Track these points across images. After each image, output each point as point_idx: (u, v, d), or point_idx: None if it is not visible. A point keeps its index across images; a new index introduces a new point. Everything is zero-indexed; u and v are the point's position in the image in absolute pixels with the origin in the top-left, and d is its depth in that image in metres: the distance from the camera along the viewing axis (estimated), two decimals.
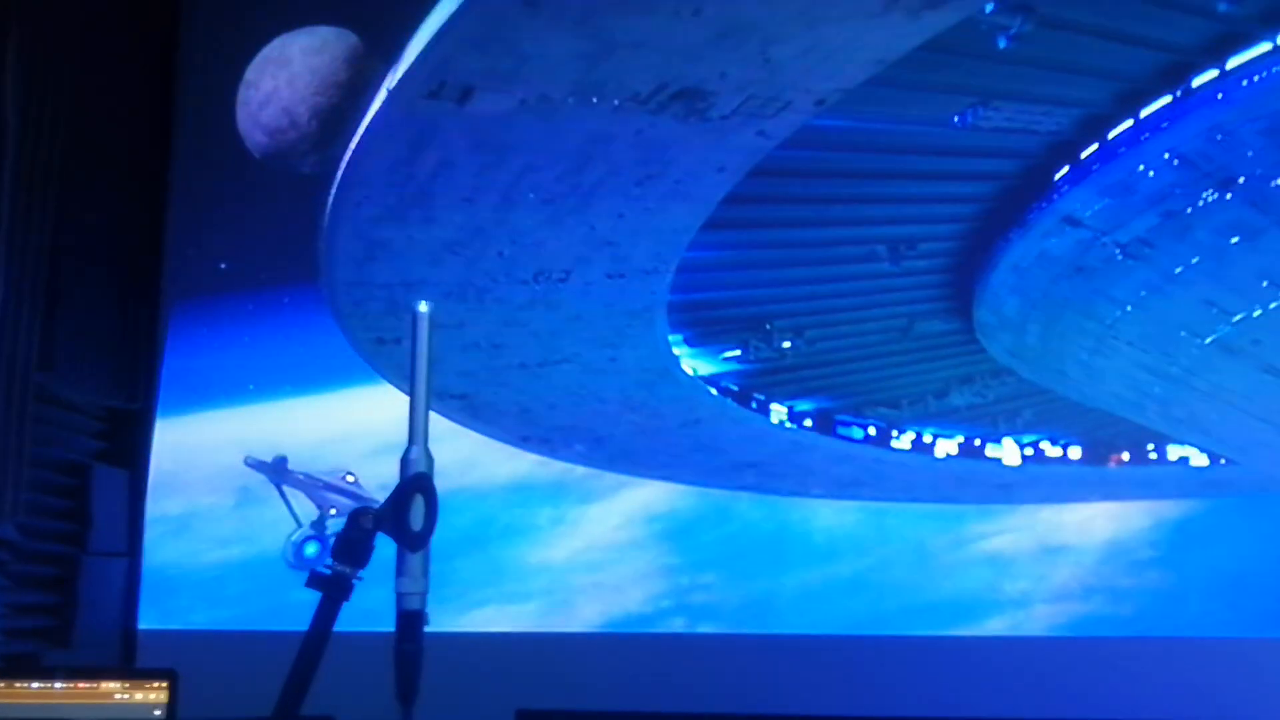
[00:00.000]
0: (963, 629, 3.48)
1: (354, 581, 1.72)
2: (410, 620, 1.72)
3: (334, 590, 1.71)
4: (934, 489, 3.66)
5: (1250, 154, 3.11)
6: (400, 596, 1.73)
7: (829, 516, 3.67)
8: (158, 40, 3.98)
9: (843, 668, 3.43)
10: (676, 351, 3.64)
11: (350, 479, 3.87)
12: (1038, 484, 3.64)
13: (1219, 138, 3.11)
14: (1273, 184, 3.14)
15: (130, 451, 3.84)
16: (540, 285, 3.51)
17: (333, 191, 3.50)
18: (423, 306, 1.80)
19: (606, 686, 3.42)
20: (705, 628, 3.63)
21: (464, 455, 3.68)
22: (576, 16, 2.98)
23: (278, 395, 3.85)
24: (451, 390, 3.60)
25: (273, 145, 3.80)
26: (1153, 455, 3.57)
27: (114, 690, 2.63)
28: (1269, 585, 3.38)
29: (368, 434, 3.60)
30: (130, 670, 3.26)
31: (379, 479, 3.31)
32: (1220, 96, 3.05)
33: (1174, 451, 3.58)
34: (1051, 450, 3.66)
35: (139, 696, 2.63)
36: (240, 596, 3.74)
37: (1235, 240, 3.23)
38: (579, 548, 3.72)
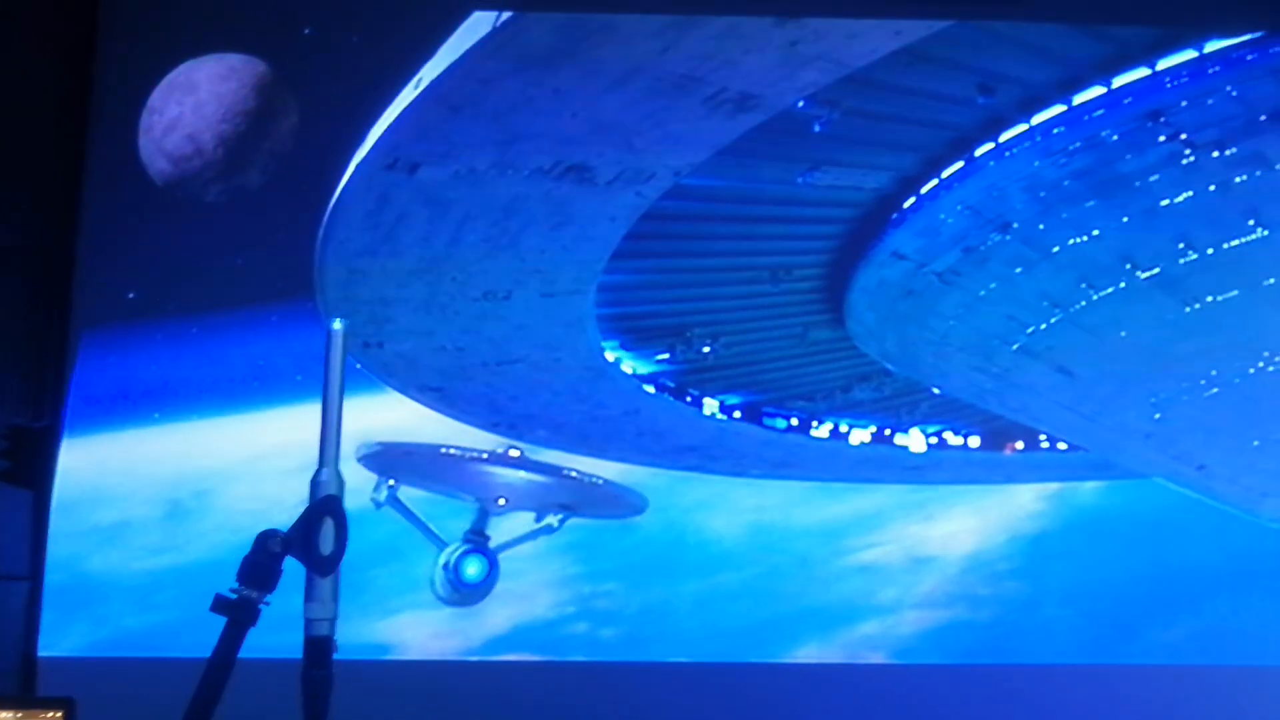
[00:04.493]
0: (840, 632, 3.74)
1: (260, 607, 1.61)
2: (318, 646, 1.63)
3: (239, 615, 1.60)
4: (855, 470, 4.00)
5: (1018, 205, 3.80)
6: (308, 622, 1.63)
7: (721, 529, 3.85)
8: (72, 64, 3.78)
9: (746, 693, 3.64)
10: (614, 355, 4.03)
11: (515, 453, 3.35)
12: (943, 467, 4.01)
13: (995, 193, 3.80)
14: (1038, 227, 3.81)
15: (34, 471, 3.63)
16: (489, 302, 3.93)
17: (320, 233, 3.88)
18: (336, 324, 1.69)
19: (518, 713, 3.51)
20: (606, 632, 3.74)
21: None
22: (488, 117, 3.71)
23: (187, 419, 3.79)
24: (429, 384, 3.96)
25: (176, 173, 3.67)
26: (1045, 444, 4.00)
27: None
28: (1111, 594, 3.78)
29: (285, 454, 3.59)
30: (25, 699, 3.10)
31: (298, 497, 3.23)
32: (992, 164, 3.76)
33: (1063, 441, 3.98)
34: (954, 439, 4.02)
35: None
36: (168, 604, 3.66)
37: (1019, 270, 3.87)
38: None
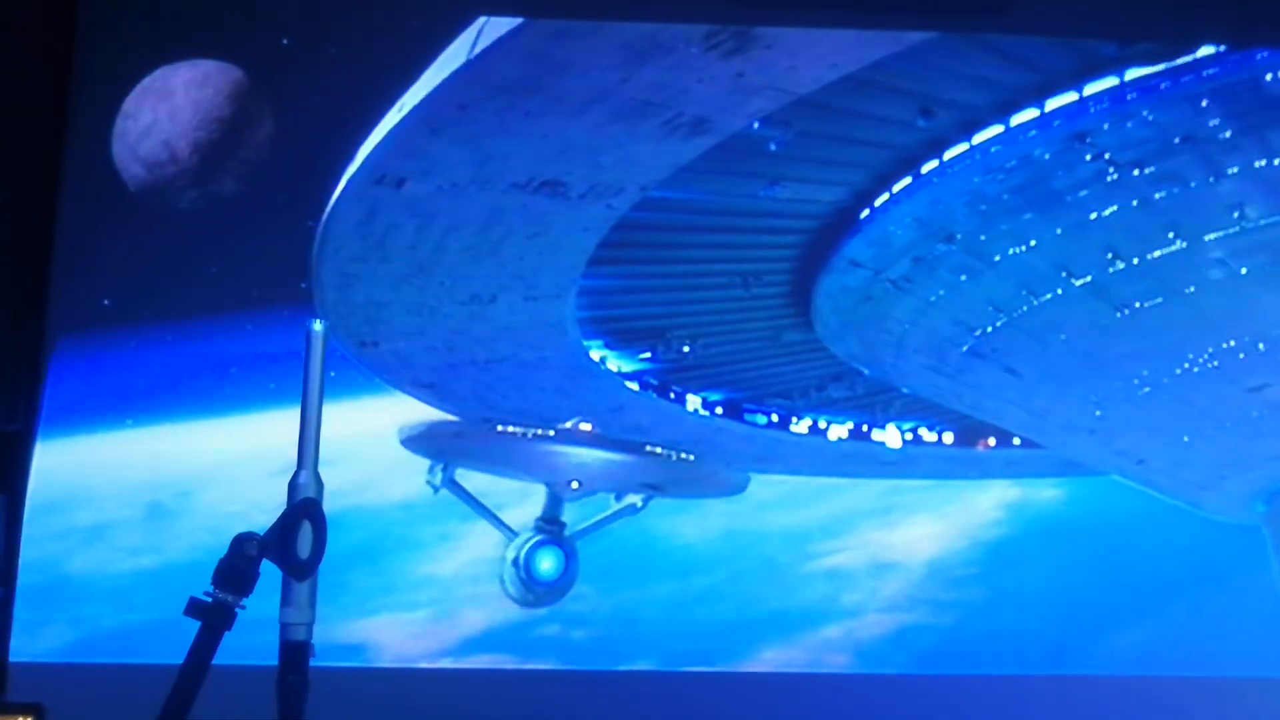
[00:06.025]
0: (805, 635, 3.84)
1: (236, 611, 1.55)
2: (295, 652, 1.58)
3: (214, 619, 1.54)
4: (834, 465, 4.14)
5: (960, 218, 4.02)
6: (285, 627, 1.59)
7: (690, 535, 3.93)
8: (49, 68, 3.72)
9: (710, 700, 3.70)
10: (599, 354, 4.18)
11: (587, 428, 2.91)
12: (918, 461, 4.17)
13: (940, 207, 4.02)
14: (980, 238, 4.02)
15: (6, 475, 3.57)
16: (475, 305, 4.09)
17: (316, 242, 4.02)
18: (316, 325, 1.65)
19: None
20: (578, 634, 3.79)
21: (360, 476, 3.78)
22: (464, 138, 3.91)
23: (162, 424, 3.80)
24: (423, 381, 4.12)
25: (150, 179, 3.62)
26: (1017, 442, 4.16)
27: None
28: (1070, 599, 3.91)
29: (267, 457, 3.58)
30: None
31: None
32: (936, 180, 3.97)
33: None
34: (928, 435, 4.18)
35: None
36: (147, 605, 3.64)
37: (964, 278, 4.08)
38: (464, 561, 3.84)
